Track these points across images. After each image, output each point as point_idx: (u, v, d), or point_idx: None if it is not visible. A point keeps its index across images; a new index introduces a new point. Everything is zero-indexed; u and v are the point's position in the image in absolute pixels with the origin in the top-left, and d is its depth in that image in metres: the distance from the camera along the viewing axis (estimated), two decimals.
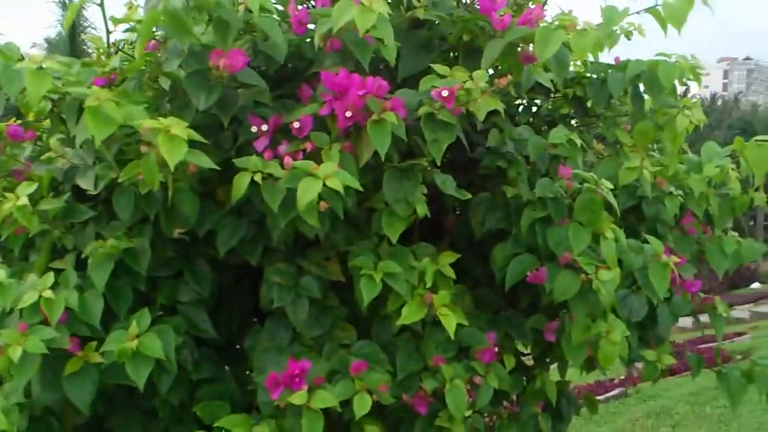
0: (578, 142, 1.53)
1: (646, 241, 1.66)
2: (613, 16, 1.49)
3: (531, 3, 1.79)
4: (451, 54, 1.67)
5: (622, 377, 8.16)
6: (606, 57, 1.76)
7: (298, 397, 1.30)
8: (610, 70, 1.73)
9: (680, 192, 1.81)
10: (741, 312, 19.23)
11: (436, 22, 1.59)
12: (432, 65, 1.43)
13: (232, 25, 1.33)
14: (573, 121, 1.91)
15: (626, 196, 1.74)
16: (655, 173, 1.73)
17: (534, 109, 1.92)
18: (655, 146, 2.01)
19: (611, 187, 1.46)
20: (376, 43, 1.43)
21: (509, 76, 1.59)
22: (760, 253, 2.03)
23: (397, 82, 1.52)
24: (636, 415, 7.18)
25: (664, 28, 1.53)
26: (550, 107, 1.90)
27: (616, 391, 8.59)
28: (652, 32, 1.70)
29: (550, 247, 1.48)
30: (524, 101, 1.88)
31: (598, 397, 8.87)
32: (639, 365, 1.76)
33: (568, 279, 1.45)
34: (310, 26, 1.50)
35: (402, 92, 1.37)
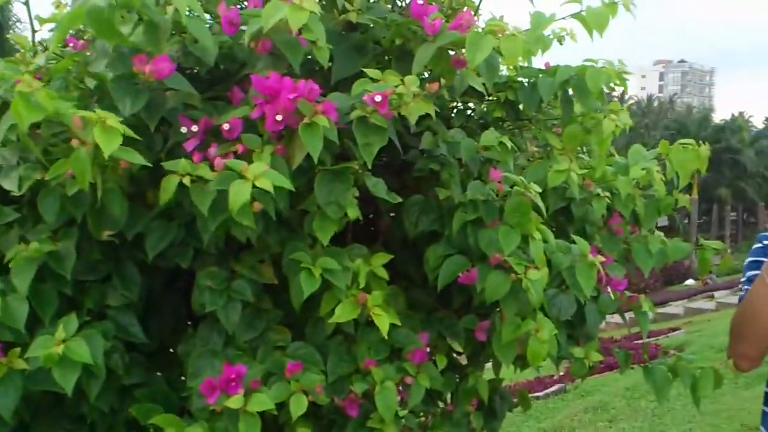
0: (509, 145, 1.56)
1: (574, 242, 1.71)
2: (540, 21, 1.53)
3: (466, 8, 1.83)
4: (386, 57, 1.68)
5: (562, 373, 8.34)
6: (540, 61, 1.80)
7: (234, 401, 1.29)
8: (540, 75, 1.77)
9: (607, 194, 1.86)
10: (676, 308, 19.77)
11: (370, 25, 1.60)
12: (364, 69, 1.44)
13: (161, 27, 1.31)
14: (506, 125, 1.94)
15: (556, 198, 1.78)
16: (583, 175, 1.77)
17: (469, 112, 1.95)
18: (584, 149, 2.06)
19: (539, 190, 1.49)
20: (309, 45, 1.43)
21: (442, 81, 1.62)
22: (686, 252, 2.10)
23: (330, 85, 1.53)
24: (574, 410, 7.34)
25: (590, 33, 1.57)
26: (484, 110, 1.94)
27: (555, 387, 8.77)
28: (593, 36, 1.74)
29: (481, 249, 1.51)
30: (459, 105, 1.92)
31: (537, 394, 9.08)
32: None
33: (498, 279, 1.47)
34: (244, 27, 1.49)
35: (334, 96, 1.37)
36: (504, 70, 1.89)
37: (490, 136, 1.56)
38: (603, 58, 1.94)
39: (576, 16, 1.58)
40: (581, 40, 1.82)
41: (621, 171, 1.96)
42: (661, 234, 2.00)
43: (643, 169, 1.95)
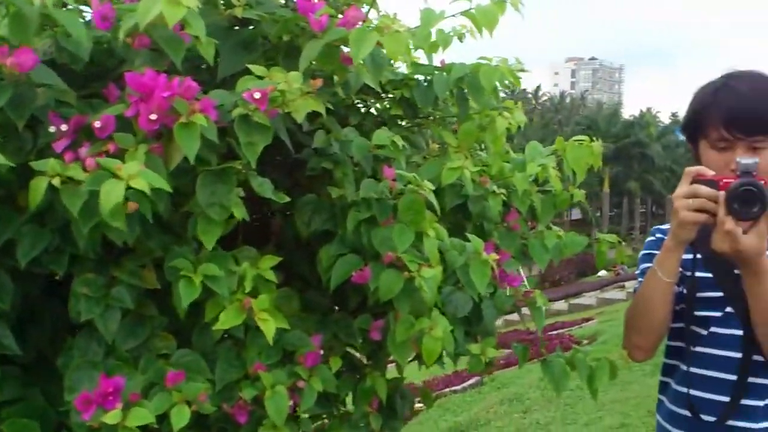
0: (400, 143, 1.54)
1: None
2: (430, 18, 1.52)
3: (362, 5, 1.80)
4: (276, 54, 1.64)
5: None
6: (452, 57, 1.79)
7: (111, 417, 1.23)
8: (436, 73, 1.77)
9: (503, 190, 1.87)
10: (589, 299, 20.39)
11: (258, 21, 1.56)
12: (249, 65, 1.40)
13: (29, 17, 1.24)
14: (405, 122, 1.93)
15: (452, 195, 1.78)
16: (479, 172, 1.78)
17: (371, 110, 1.93)
18: (483, 146, 2.07)
19: (432, 187, 1.48)
20: (194, 40, 1.38)
21: (335, 77, 1.59)
22: (582, 246, 2.13)
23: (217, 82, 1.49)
24: (490, 403, 7.47)
25: (480, 31, 1.57)
26: (384, 107, 1.92)
27: (472, 380, 8.89)
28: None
29: (374, 247, 1.49)
30: (357, 102, 1.89)
31: (455, 387, 9.18)
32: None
33: (391, 277, 1.46)
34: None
35: (215, 93, 1.32)
36: (403, 68, 1.88)
37: (381, 135, 1.54)
38: (510, 56, 1.96)
39: (466, 13, 1.58)
40: (496, 38, 1.83)
41: (518, 168, 1.98)
42: (558, 228, 2.03)
43: (539, 165, 1.97)
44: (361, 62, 1.40)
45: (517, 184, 1.91)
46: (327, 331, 1.61)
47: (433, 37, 1.68)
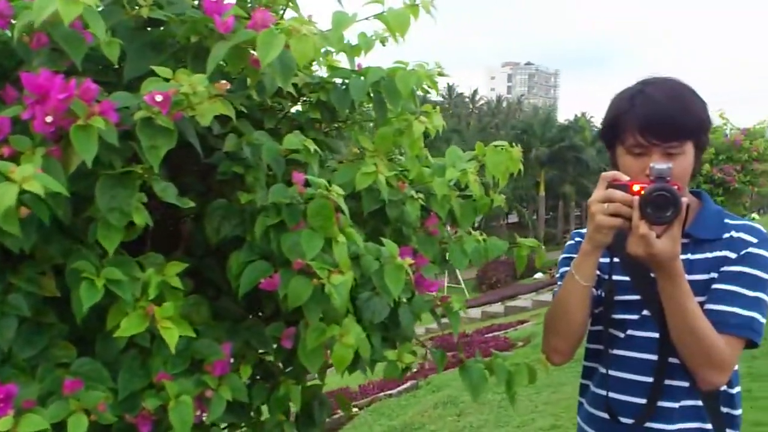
0: (311, 148, 1.53)
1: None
2: (341, 21, 1.50)
3: (279, 6, 1.78)
4: (186, 55, 1.61)
5: (415, 370, 8.47)
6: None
7: (2, 423, 1.18)
8: (353, 76, 1.76)
9: (421, 195, 1.87)
10: (524, 301, 20.66)
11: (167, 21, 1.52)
12: (154, 67, 1.36)
13: None
14: (323, 126, 1.92)
15: (370, 200, 1.77)
16: (396, 177, 1.77)
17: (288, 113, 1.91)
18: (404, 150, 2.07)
19: (342, 192, 1.47)
20: (96, 40, 1.34)
21: (248, 80, 1.57)
22: (503, 249, 2.15)
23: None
24: (425, 406, 7.49)
25: (393, 34, 1.57)
26: (302, 111, 1.90)
27: (408, 384, 8.91)
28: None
29: (284, 254, 1.47)
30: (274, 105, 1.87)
31: (391, 391, 9.17)
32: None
33: (300, 284, 1.44)
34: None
35: (118, 95, 1.29)
36: (322, 71, 1.87)
37: (293, 139, 1.52)
38: (431, 61, 1.97)
39: (379, 16, 1.57)
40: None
41: (438, 173, 1.98)
42: (478, 233, 2.04)
43: (459, 170, 1.98)
44: (272, 65, 1.37)
45: (436, 189, 1.91)
46: (238, 338, 1.58)
47: (355, 41, 1.68)
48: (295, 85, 1.78)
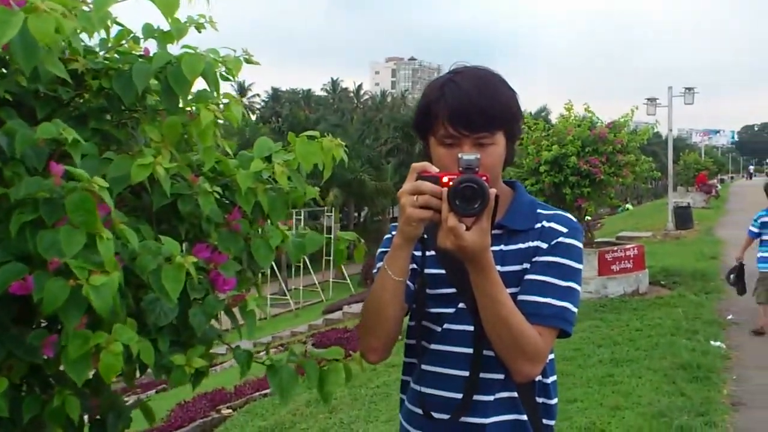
0: (70, 137, 1.39)
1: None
2: (104, 1, 1.38)
3: None
4: None
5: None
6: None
7: None
8: (139, 61, 1.63)
9: (217, 189, 1.76)
10: None
11: None
12: None
13: None
14: (111, 116, 1.78)
15: (160, 195, 1.65)
16: (183, 169, 1.66)
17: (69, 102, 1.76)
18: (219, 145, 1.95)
19: (105, 184, 1.34)
20: None
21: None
22: (320, 243, 2.08)
23: None
24: (297, 405, 7.38)
25: (164, 14, 1.46)
26: (85, 99, 1.75)
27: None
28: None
29: (41, 253, 1.33)
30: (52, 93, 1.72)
31: (266, 391, 9.00)
32: None
33: (56, 287, 1.30)
34: None
35: None
36: (104, 54, 1.74)
37: (49, 128, 1.38)
38: (239, 49, 1.87)
39: None
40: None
41: (243, 165, 1.88)
42: (287, 227, 1.96)
43: (266, 161, 1.89)
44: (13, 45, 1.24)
45: (240, 182, 1.81)
46: (2, 348, 1.43)
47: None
48: (75, 71, 1.64)
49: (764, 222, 8.77)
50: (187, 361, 1.58)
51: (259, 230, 1.90)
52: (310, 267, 31.21)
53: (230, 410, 8.69)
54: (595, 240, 13.86)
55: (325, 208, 35.67)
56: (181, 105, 1.71)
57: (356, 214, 48.32)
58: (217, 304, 1.64)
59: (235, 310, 1.76)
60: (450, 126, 1.70)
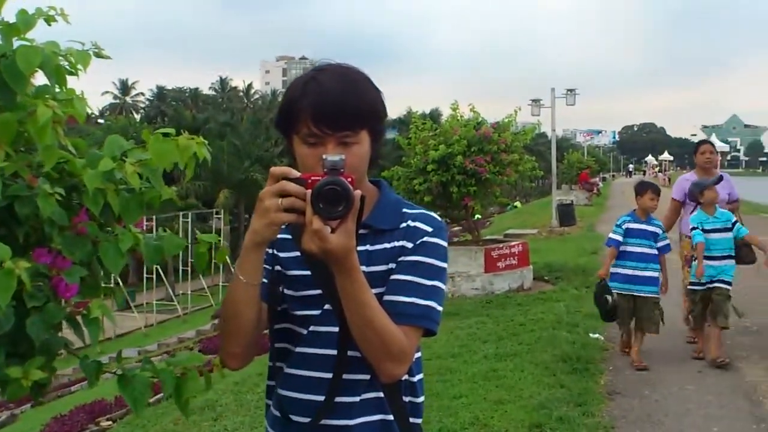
0: None
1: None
2: None
3: None
4: None
5: None
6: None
7: None
8: None
9: (59, 190, 1.65)
10: None
11: None
12: None
13: None
14: None
15: None
16: (22, 169, 1.55)
17: None
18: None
19: None
20: None
21: None
22: (181, 247, 2.00)
23: None
24: (180, 414, 7.16)
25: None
26: None
27: (160, 395, 8.49)
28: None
29: None
30: None
31: (149, 400, 8.72)
32: None
33: None
34: None
35: None
36: None
37: None
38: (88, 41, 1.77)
39: None
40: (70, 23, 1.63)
41: (91, 164, 1.78)
42: (138, 230, 1.86)
43: (113, 159, 1.79)
44: None
45: (87, 182, 1.70)
46: None
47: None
48: None
49: (630, 228, 7.12)
50: (24, 374, 1.47)
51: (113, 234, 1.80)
52: (198, 271, 30.59)
53: (110, 422, 8.35)
54: (482, 238, 14.19)
55: (214, 210, 34.98)
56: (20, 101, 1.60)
57: (247, 216, 47.66)
58: (59, 312, 1.53)
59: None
60: (313, 125, 1.67)
